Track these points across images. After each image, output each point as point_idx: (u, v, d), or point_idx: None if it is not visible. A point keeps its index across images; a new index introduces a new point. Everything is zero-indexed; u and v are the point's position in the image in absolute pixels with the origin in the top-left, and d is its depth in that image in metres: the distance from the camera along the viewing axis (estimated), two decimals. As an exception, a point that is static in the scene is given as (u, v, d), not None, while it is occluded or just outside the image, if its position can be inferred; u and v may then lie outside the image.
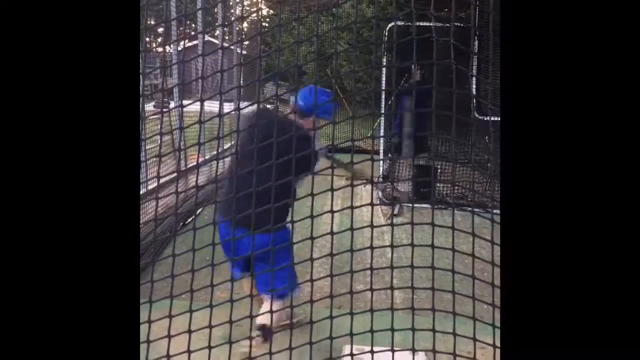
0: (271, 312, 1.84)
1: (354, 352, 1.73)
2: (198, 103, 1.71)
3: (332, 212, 1.63)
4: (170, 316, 1.63)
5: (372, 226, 1.64)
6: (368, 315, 1.62)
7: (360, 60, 9.66)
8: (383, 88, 6.20)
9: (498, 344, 1.28)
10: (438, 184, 5.82)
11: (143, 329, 1.47)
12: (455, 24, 1.62)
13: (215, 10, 7.46)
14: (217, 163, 1.73)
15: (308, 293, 1.78)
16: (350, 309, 1.65)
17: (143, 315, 1.47)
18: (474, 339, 1.59)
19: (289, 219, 2.16)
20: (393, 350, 1.65)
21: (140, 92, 1.55)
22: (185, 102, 2.41)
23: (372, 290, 1.67)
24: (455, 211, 1.66)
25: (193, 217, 4.65)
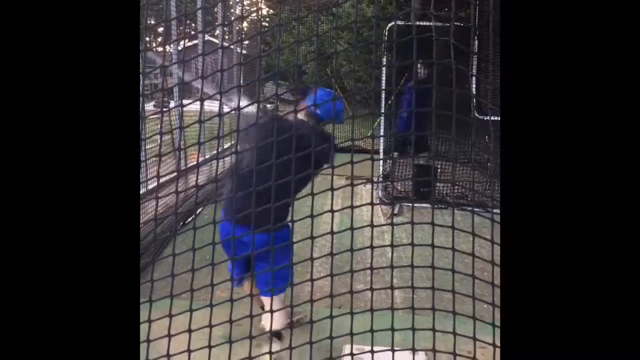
0: (271, 311, 1.84)
1: (354, 351, 1.73)
2: (198, 102, 1.71)
3: (332, 211, 1.63)
4: (170, 315, 1.63)
5: (372, 226, 1.64)
6: (368, 315, 1.62)
7: (360, 60, 9.66)
8: (383, 87, 6.19)
9: (498, 343, 1.28)
10: (438, 184, 5.82)
11: (143, 328, 1.47)
12: (455, 23, 1.62)
13: (215, 10, 7.46)
14: (217, 162, 1.72)
15: (308, 292, 1.78)
16: (351, 308, 1.65)
17: (143, 315, 1.47)
18: (474, 339, 1.59)
19: (289, 218, 2.16)
20: (393, 350, 1.65)
21: (141, 92, 1.55)
22: (185, 101, 2.41)
23: (372, 289, 1.67)
24: (455, 211, 1.66)
25: (193, 216, 4.65)
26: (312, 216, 1.67)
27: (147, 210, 3.84)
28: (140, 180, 3.44)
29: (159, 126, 1.75)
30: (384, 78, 6.02)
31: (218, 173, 1.73)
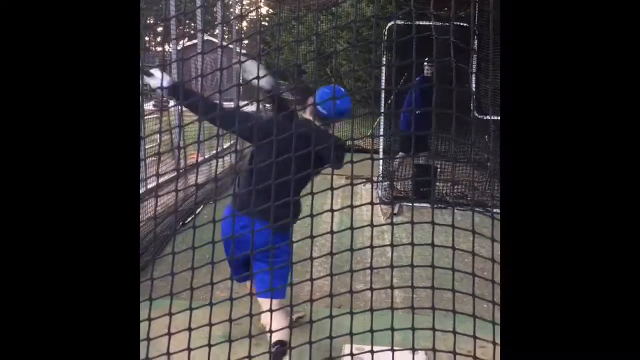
0: (271, 311, 1.84)
1: (354, 351, 1.73)
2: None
3: (332, 211, 1.62)
4: (170, 314, 1.63)
5: (372, 225, 1.64)
6: (368, 315, 1.62)
7: (360, 59, 9.66)
8: (383, 87, 6.18)
9: (497, 341, 1.28)
10: (438, 183, 5.82)
11: (143, 327, 1.47)
12: (455, 22, 1.62)
13: (215, 9, 7.45)
14: (217, 162, 1.72)
15: (308, 292, 1.77)
16: (350, 308, 1.65)
17: (143, 314, 1.47)
18: (474, 337, 1.59)
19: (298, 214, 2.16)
20: (393, 350, 1.65)
21: (140, 91, 1.55)
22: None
23: (372, 289, 1.67)
24: (455, 210, 1.66)
25: (193, 216, 4.65)
26: (311, 215, 1.67)
27: (147, 210, 3.84)
28: (140, 179, 3.43)
29: (158, 125, 1.74)
30: (383, 77, 6.02)
31: (218, 172, 1.73)
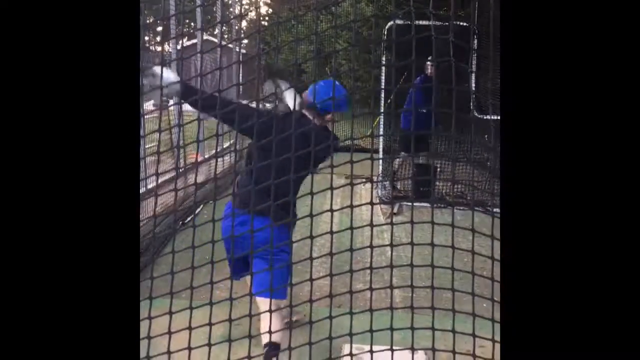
0: (270, 311, 1.84)
1: (354, 351, 1.72)
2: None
3: (331, 210, 1.62)
4: (170, 313, 1.63)
5: (371, 225, 1.63)
6: (368, 315, 1.62)
7: (359, 59, 9.66)
8: (382, 87, 6.18)
9: (497, 339, 1.28)
10: (438, 183, 5.82)
11: (143, 327, 1.47)
12: (455, 22, 1.61)
13: (214, 9, 7.45)
14: (217, 161, 1.72)
15: (308, 292, 1.77)
16: (350, 308, 1.65)
17: (143, 313, 1.47)
18: (474, 335, 1.58)
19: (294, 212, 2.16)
20: (392, 350, 1.65)
21: (140, 91, 1.55)
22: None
23: (371, 289, 1.67)
24: (455, 210, 1.66)
25: (192, 215, 4.64)
26: (311, 215, 1.66)
27: (146, 209, 3.84)
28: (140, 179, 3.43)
29: (157, 125, 1.74)
30: (383, 77, 6.01)
31: (218, 172, 1.73)
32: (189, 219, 4.64)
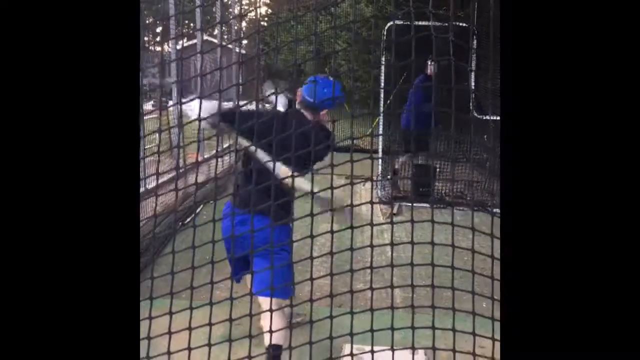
0: (270, 310, 1.84)
1: (354, 351, 1.73)
2: (197, 101, 1.71)
3: (331, 210, 1.62)
4: (170, 313, 1.63)
5: (371, 224, 1.64)
6: (368, 314, 1.62)
7: (359, 60, 9.66)
8: (382, 87, 6.18)
9: (497, 337, 1.28)
10: (437, 183, 5.82)
11: (143, 327, 1.47)
12: (455, 22, 1.62)
13: (214, 9, 7.45)
14: (217, 161, 1.72)
15: (308, 292, 1.77)
16: (351, 307, 1.65)
17: (143, 313, 1.47)
18: (474, 334, 1.59)
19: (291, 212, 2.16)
20: (393, 350, 1.65)
21: (140, 91, 1.55)
22: (183, 100, 2.40)
23: (372, 289, 1.67)
24: (455, 210, 1.66)
25: (192, 216, 4.65)
26: (311, 215, 1.66)
27: (146, 210, 3.84)
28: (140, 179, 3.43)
29: (157, 125, 1.74)
30: (382, 77, 6.02)
31: (218, 172, 1.73)
32: (189, 219, 4.64)
